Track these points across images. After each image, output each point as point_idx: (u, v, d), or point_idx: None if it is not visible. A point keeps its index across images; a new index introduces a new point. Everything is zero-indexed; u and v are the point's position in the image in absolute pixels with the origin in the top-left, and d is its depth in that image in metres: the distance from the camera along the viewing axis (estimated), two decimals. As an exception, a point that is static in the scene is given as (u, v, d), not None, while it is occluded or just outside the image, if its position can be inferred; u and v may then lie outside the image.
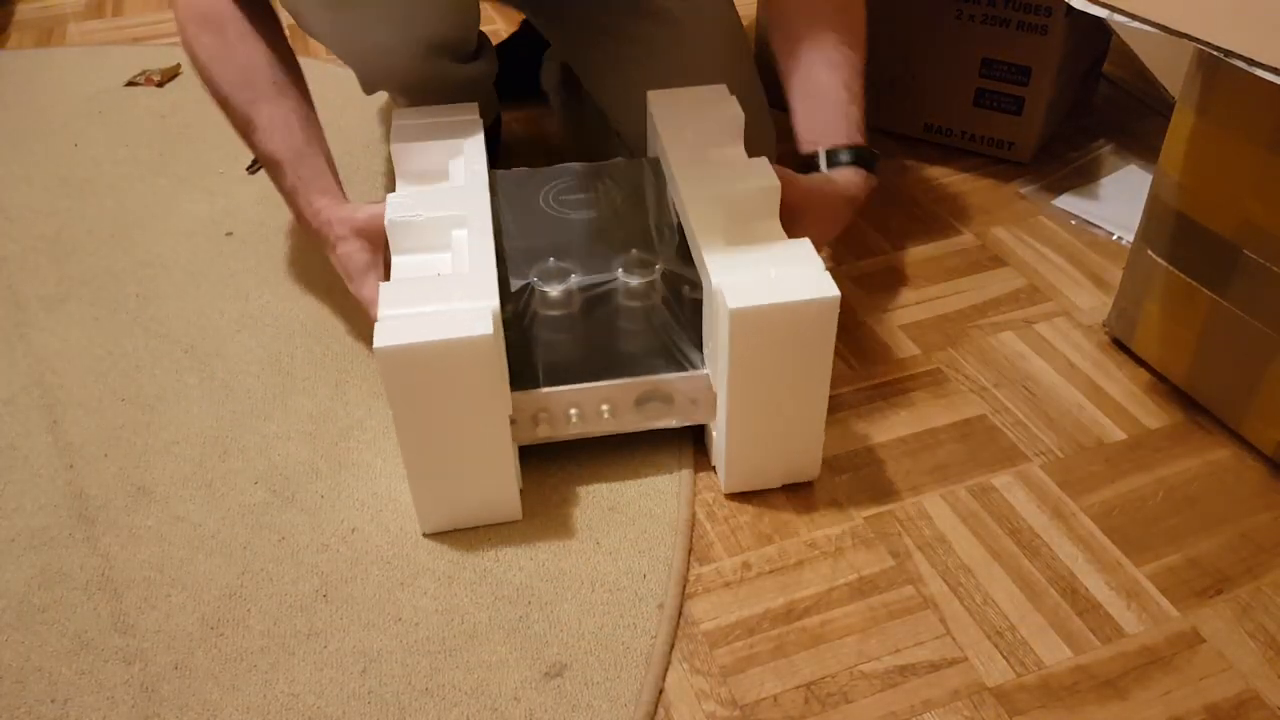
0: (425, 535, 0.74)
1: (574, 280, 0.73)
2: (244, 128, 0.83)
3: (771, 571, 0.72)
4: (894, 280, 1.00)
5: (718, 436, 0.76)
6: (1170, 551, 0.73)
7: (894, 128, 1.22)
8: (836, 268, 1.01)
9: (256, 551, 0.74)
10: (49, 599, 0.71)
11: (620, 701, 0.64)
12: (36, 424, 0.84)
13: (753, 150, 0.84)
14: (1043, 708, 0.63)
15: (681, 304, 0.74)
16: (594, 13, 1.01)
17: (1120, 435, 0.82)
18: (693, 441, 0.82)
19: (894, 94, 1.19)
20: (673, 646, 0.68)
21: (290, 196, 0.83)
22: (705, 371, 0.75)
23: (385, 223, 0.76)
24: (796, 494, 0.78)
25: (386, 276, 0.79)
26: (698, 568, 0.73)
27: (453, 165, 0.83)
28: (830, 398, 0.86)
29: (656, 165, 0.85)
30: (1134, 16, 0.74)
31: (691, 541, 0.74)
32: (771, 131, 1.01)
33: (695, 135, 0.83)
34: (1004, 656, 0.66)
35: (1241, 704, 0.63)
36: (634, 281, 0.73)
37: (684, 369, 0.75)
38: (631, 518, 0.75)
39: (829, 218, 0.85)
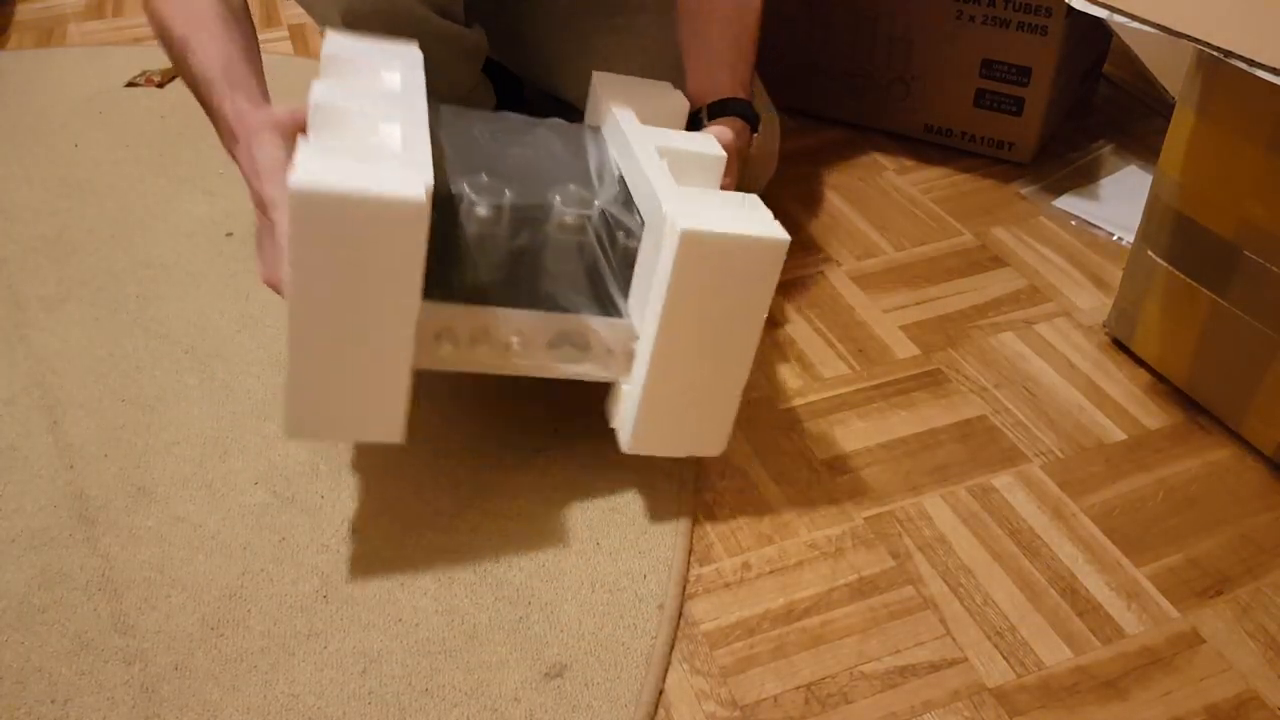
0: (290, 438, 0.67)
1: (507, 197, 0.69)
2: (180, 51, 0.78)
3: (771, 572, 0.72)
4: (894, 280, 1.00)
5: (628, 390, 0.72)
6: (1170, 552, 0.73)
7: (894, 128, 1.22)
8: (836, 267, 1.01)
9: (257, 552, 0.74)
10: (49, 599, 0.71)
11: (620, 702, 0.64)
12: (37, 424, 0.84)
13: (761, 151, 0.85)
14: (1043, 708, 0.63)
15: (614, 249, 0.71)
16: (561, 21, 1.02)
17: (1120, 436, 0.82)
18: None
19: (894, 95, 1.19)
20: (673, 647, 0.68)
21: (215, 107, 0.76)
22: (629, 321, 0.71)
23: (308, 111, 0.69)
24: (797, 495, 0.78)
25: None
26: (698, 568, 0.73)
27: (387, 77, 0.77)
28: (830, 398, 0.86)
29: (598, 131, 0.83)
30: (1134, 17, 0.74)
31: (691, 542, 0.74)
32: (774, 120, 1.01)
33: (639, 112, 0.82)
34: (1004, 657, 0.66)
35: (1242, 704, 0.63)
36: (570, 214, 0.70)
37: (608, 315, 0.71)
38: (632, 518, 0.75)
39: (733, 166, 0.84)
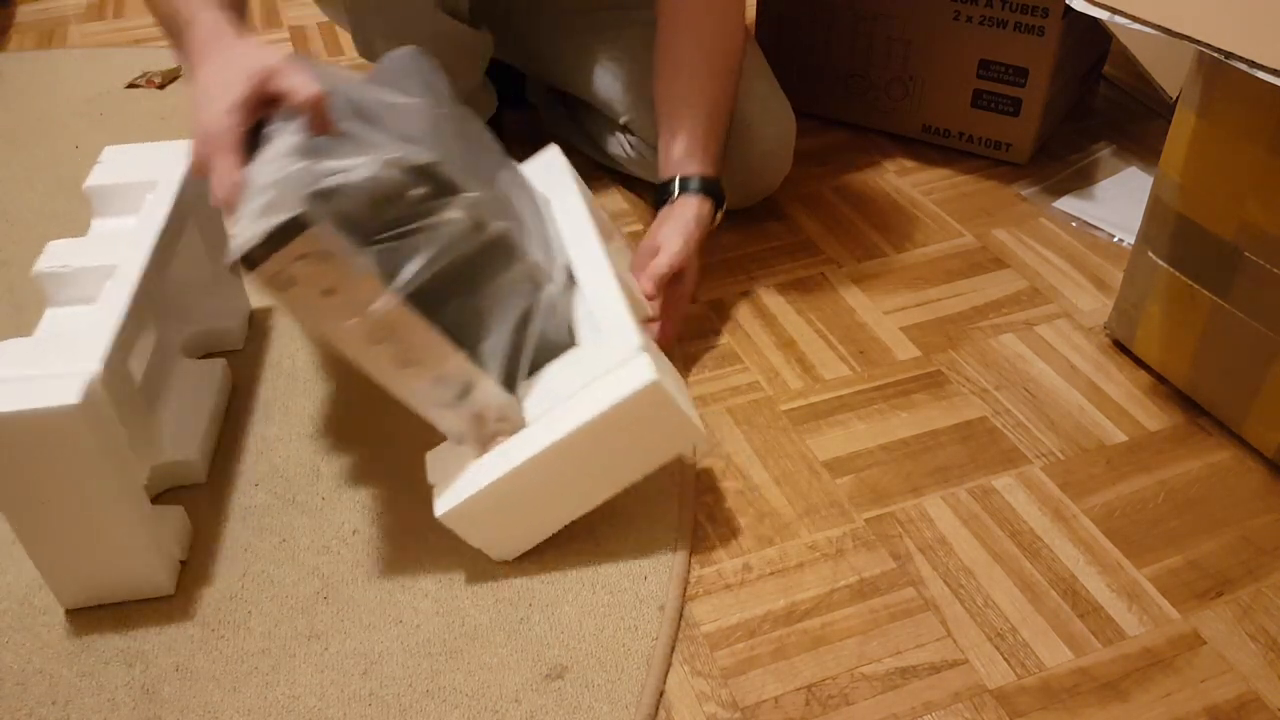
0: (68, 611, 0.70)
1: (498, 226, 0.66)
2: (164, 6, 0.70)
3: (772, 573, 0.72)
4: (894, 282, 1.00)
5: (475, 469, 0.68)
6: (1171, 553, 0.73)
7: (893, 129, 1.22)
8: (837, 269, 1.01)
9: (257, 553, 0.74)
10: (50, 600, 0.71)
11: (621, 703, 0.64)
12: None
13: (771, 131, 0.91)
14: (1043, 710, 0.63)
15: (542, 335, 0.70)
16: (570, 20, 1.02)
17: (1121, 437, 0.82)
18: (693, 442, 0.82)
19: (892, 95, 1.19)
20: (673, 648, 0.68)
21: (188, 16, 0.67)
22: (519, 407, 0.69)
23: (41, 270, 0.70)
24: (797, 496, 0.78)
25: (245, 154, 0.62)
26: (699, 570, 0.73)
27: (141, 201, 0.78)
28: (831, 399, 0.86)
29: (548, 203, 0.82)
30: (1134, 18, 0.74)
31: (692, 544, 0.74)
32: (788, 111, 1.02)
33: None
34: (1005, 658, 0.66)
35: (1242, 705, 0.63)
36: (534, 278, 0.69)
37: (502, 386, 0.69)
38: (632, 519, 0.75)
39: (680, 231, 0.87)
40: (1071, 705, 0.64)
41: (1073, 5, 0.79)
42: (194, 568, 0.73)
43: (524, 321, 0.70)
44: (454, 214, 0.65)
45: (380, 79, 0.74)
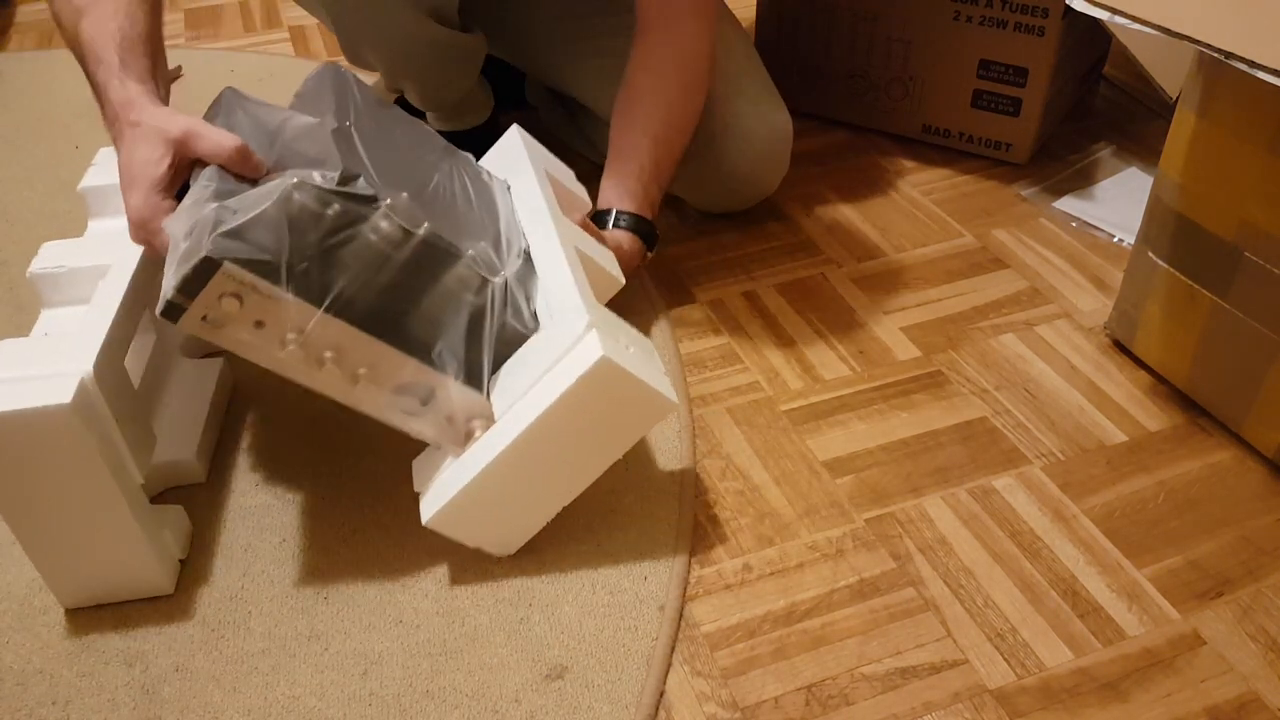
0: (68, 610, 0.70)
1: (424, 228, 0.66)
2: (72, 17, 0.72)
3: (772, 574, 0.72)
4: (895, 282, 1.00)
5: (453, 467, 0.69)
6: (1171, 554, 0.73)
7: (893, 129, 1.22)
8: (837, 269, 1.01)
9: (257, 553, 0.74)
10: (50, 601, 0.71)
11: (621, 704, 0.64)
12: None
13: (764, 133, 0.90)
14: (1043, 710, 0.63)
15: (502, 326, 0.70)
16: (566, 19, 1.02)
17: (1121, 437, 0.82)
18: (694, 443, 0.82)
19: (893, 95, 1.19)
20: (674, 649, 0.68)
21: (101, 84, 0.70)
22: (486, 401, 0.69)
23: (35, 271, 0.71)
24: (797, 496, 0.78)
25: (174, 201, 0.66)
26: (699, 570, 0.73)
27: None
28: (831, 399, 0.86)
29: (507, 189, 0.82)
30: (1134, 18, 0.74)
31: (692, 544, 0.74)
32: (782, 111, 1.01)
33: (552, 189, 0.83)
34: (1005, 659, 0.66)
35: (1242, 706, 0.63)
36: (476, 273, 0.68)
37: (466, 384, 0.68)
38: (633, 520, 0.75)
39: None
40: (1071, 705, 0.64)
41: (1073, 5, 0.79)
42: (194, 568, 0.73)
43: (477, 316, 0.69)
44: (375, 223, 0.65)
45: (298, 104, 0.75)
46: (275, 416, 0.85)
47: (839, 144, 1.22)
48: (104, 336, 0.65)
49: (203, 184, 0.64)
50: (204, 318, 0.61)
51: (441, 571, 0.72)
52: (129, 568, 0.68)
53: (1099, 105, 1.28)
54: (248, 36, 1.56)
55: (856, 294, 0.98)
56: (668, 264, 1.02)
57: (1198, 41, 0.70)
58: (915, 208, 1.10)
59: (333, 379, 0.65)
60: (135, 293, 0.70)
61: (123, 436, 0.65)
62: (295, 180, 0.62)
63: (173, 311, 0.60)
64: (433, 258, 0.67)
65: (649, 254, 0.92)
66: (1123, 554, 0.73)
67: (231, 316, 0.61)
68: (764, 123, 1.00)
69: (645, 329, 0.92)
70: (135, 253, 0.72)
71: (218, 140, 0.65)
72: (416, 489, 0.71)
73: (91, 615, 0.70)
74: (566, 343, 0.67)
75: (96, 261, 0.71)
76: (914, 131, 1.21)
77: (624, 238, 0.89)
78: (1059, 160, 1.17)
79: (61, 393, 0.60)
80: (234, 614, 0.70)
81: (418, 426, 0.68)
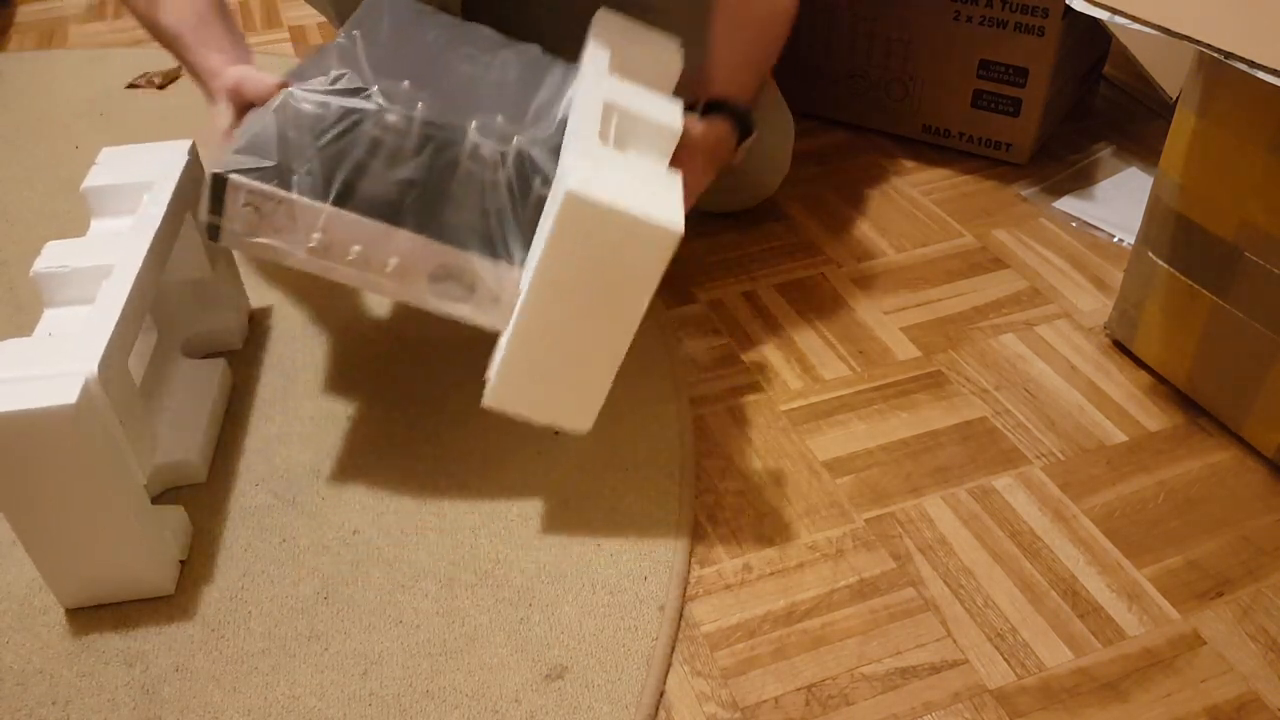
0: (68, 610, 0.70)
1: (419, 110, 0.67)
2: (147, 10, 0.79)
3: (772, 574, 0.72)
4: (895, 282, 1.00)
5: (503, 342, 0.68)
6: (1171, 554, 0.73)
7: (893, 129, 1.22)
8: (837, 269, 1.01)
9: (257, 553, 0.74)
10: (50, 600, 0.71)
11: (621, 704, 0.64)
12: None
13: (770, 139, 0.85)
14: (1043, 710, 0.63)
15: (525, 194, 0.69)
16: (569, 24, 1.02)
17: (1121, 437, 0.82)
18: (694, 443, 0.82)
19: (892, 95, 1.19)
20: (674, 649, 0.68)
21: (189, 64, 0.78)
22: (519, 271, 0.68)
23: (39, 271, 0.72)
24: (797, 496, 0.78)
25: None
26: (699, 570, 0.73)
27: (139, 201, 0.79)
28: (831, 399, 0.86)
29: (571, 69, 0.80)
30: (1134, 18, 0.74)
31: (692, 544, 0.74)
32: (787, 115, 1.01)
33: (625, 60, 0.79)
34: (1005, 659, 0.66)
35: (1242, 706, 0.63)
36: (484, 145, 0.68)
37: (498, 260, 0.68)
38: (632, 520, 0.75)
39: (703, 160, 0.84)
40: (1071, 705, 0.64)
41: (1073, 5, 0.79)
42: (194, 568, 0.73)
43: (497, 190, 0.69)
44: (368, 113, 0.68)
45: (354, 24, 0.78)
46: (275, 416, 0.85)
47: (839, 144, 1.22)
48: (108, 337, 0.65)
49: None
50: (236, 231, 0.67)
51: (441, 571, 0.72)
52: (130, 568, 0.68)
53: (1099, 105, 1.28)
54: (248, 36, 1.56)
55: (856, 294, 0.98)
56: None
57: (1198, 41, 0.70)
58: (915, 208, 1.10)
59: (366, 274, 0.68)
60: (138, 293, 0.70)
61: (125, 437, 0.65)
62: (289, 90, 0.67)
63: (211, 231, 0.67)
64: (436, 138, 0.68)
65: (742, 144, 0.89)
66: (1123, 554, 0.73)
67: (254, 226, 0.67)
68: (771, 129, 1.00)
69: (645, 329, 0.92)
70: (138, 253, 0.72)
71: (262, 82, 0.71)
72: (488, 374, 0.71)
73: (91, 615, 0.70)
74: (556, 190, 0.65)
75: (100, 261, 0.71)
76: (914, 131, 1.21)
77: (719, 124, 0.86)
78: (1059, 160, 1.17)
79: (66, 393, 0.60)
80: (234, 614, 0.70)
81: (464, 312, 0.69)
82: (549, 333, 0.66)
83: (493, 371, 0.69)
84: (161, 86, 1.36)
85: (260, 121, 0.67)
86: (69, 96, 1.34)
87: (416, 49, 0.74)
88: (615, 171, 0.64)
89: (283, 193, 0.66)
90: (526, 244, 0.69)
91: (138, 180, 0.79)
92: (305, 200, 0.66)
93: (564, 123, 0.72)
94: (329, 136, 0.67)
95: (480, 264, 0.68)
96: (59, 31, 1.57)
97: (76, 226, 1.08)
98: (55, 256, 0.72)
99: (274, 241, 0.67)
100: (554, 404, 0.70)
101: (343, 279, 0.69)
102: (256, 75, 0.72)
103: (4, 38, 1.56)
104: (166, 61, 1.41)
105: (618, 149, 0.68)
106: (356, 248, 0.67)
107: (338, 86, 0.67)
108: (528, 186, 0.69)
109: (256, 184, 0.66)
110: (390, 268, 0.68)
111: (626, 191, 0.63)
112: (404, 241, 0.68)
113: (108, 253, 0.72)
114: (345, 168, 0.67)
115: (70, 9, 1.64)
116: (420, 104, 0.67)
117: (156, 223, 0.75)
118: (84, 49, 1.50)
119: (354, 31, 0.74)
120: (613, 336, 0.67)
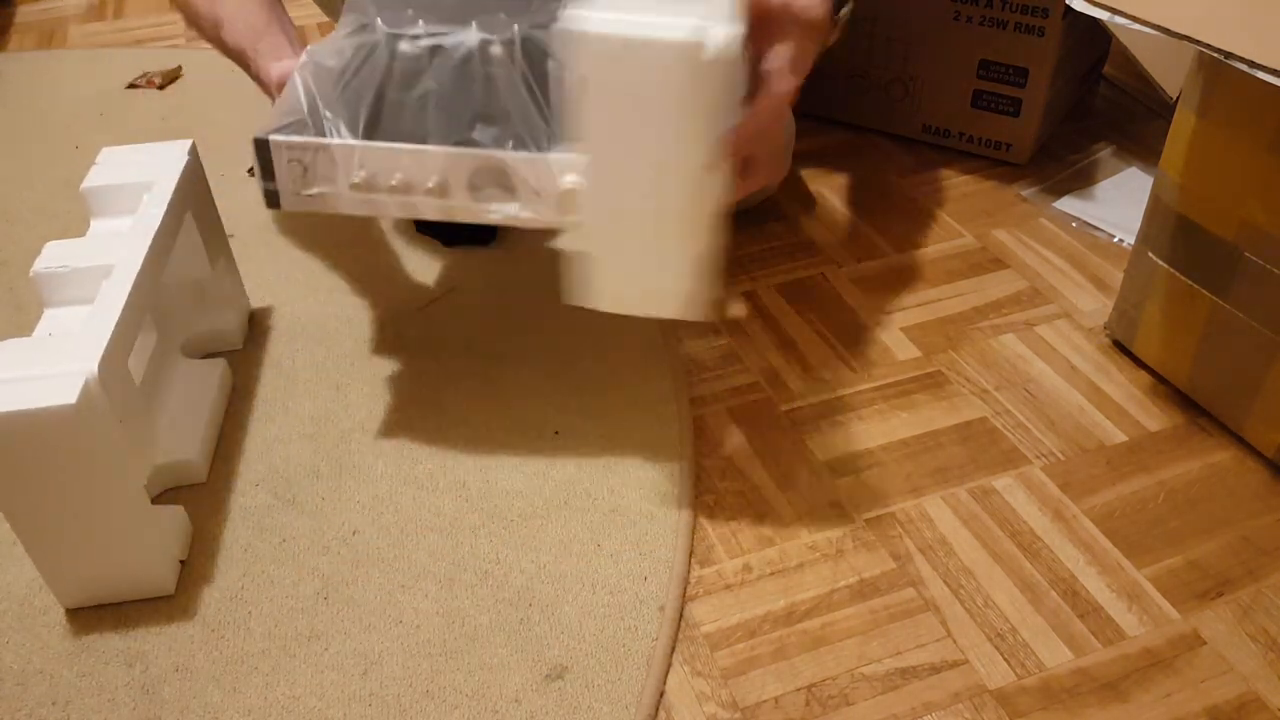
0: (68, 610, 0.70)
1: (421, 27, 0.69)
2: (213, 30, 0.84)
3: (772, 574, 0.72)
4: (894, 282, 1.00)
5: (579, 237, 0.67)
6: (1171, 554, 0.73)
7: (893, 129, 1.22)
8: (837, 269, 1.01)
9: (257, 553, 0.74)
10: (50, 600, 0.71)
11: (621, 704, 0.64)
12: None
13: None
14: (1043, 710, 0.63)
15: (544, 79, 0.67)
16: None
17: (1121, 437, 0.82)
18: (694, 443, 0.82)
19: (892, 95, 1.19)
20: (674, 649, 0.68)
21: (255, 78, 0.82)
22: (551, 157, 0.66)
23: (39, 270, 0.72)
24: (797, 496, 0.78)
25: None
26: (698, 570, 0.73)
27: (139, 200, 0.79)
28: (831, 399, 0.86)
29: None
30: (1134, 18, 0.74)
31: (692, 544, 0.74)
32: (789, 120, 1.01)
33: None
34: (1005, 659, 0.66)
35: (1242, 706, 0.63)
36: (492, 42, 0.68)
37: (530, 151, 0.66)
38: (632, 520, 0.75)
39: (799, 31, 0.73)
40: (1071, 706, 0.64)
41: (1073, 5, 0.79)
42: (194, 568, 0.73)
43: (510, 81, 0.68)
44: (377, 44, 0.70)
45: None
46: (275, 416, 0.85)
47: (839, 144, 1.22)
48: (108, 337, 0.65)
49: None
50: (290, 190, 0.70)
51: (441, 571, 0.72)
52: (130, 568, 0.68)
53: (1099, 105, 1.28)
54: (248, 36, 1.56)
55: (856, 294, 0.98)
56: (668, 264, 1.02)
57: (1198, 41, 0.70)
58: (915, 208, 1.10)
59: (411, 199, 0.70)
60: (138, 293, 0.70)
61: (125, 437, 0.65)
62: (308, 48, 0.72)
63: (270, 198, 0.70)
64: (443, 48, 0.69)
65: (843, 9, 0.80)
66: (1123, 554, 0.73)
67: (304, 180, 0.70)
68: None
69: (646, 329, 0.92)
70: (138, 253, 0.72)
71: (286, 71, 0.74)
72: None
73: (91, 615, 0.70)
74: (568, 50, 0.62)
75: (100, 261, 0.71)
76: (914, 131, 1.21)
77: None
78: (1059, 160, 1.17)
79: (66, 393, 0.60)
80: (234, 614, 0.70)
81: (513, 212, 0.69)
82: (609, 207, 0.63)
83: (585, 273, 0.67)
84: (161, 86, 1.36)
85: (290, 86, 0.70)
86: (69, 96, 1.34)
87: None
88: (645, 10, 0.57)
89: (319, 140, 0.68)
90: (553, 129, 0.67)
91: (138, 180, 0.80)
92: (338, 141, 0.68)
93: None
94: (347, 77, 0.69)
95: (513, 160, 0.67)
96: (59, 31, 1.57)
97: (76, 226, 1.08)
98: (55, 256, 0.72)
99: (325, 189, 0.69)
100: (644, 291, 0.67)
101: (395, 211, 0.70)
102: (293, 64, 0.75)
103: (4, 38, 1.56)
104: (166, 61, 1.41)
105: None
106: (397, 175, 0.69)
107: (348, 31, 0.71)
108: (542, 70, 0.68)
109: (294, 138, 0.68)
110: (431, 185, 0.69)
111: (648, 18, 0.56)
112: (436, 157, 0.68)
113: (108, 253, 0.72)
114: (367, 101, 0.69)
115: (70, 9, 1.64)
116: (421, 21, 0.69)
117: (156, 223, 0.75)
118: (84, 49, 1.50)
119: None
120: (677, 195, 0.62)
